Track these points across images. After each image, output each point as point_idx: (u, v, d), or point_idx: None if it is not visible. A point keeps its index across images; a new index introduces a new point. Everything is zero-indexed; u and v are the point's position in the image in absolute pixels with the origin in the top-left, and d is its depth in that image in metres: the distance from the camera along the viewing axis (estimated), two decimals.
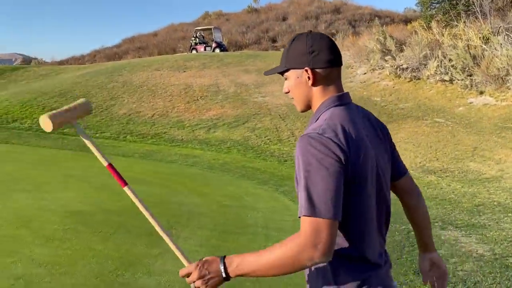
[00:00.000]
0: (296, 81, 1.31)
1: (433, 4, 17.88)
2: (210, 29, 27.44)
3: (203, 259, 1.21)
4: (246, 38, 30.89)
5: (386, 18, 35.02)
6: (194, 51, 26.42)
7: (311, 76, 1.28)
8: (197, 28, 28.61)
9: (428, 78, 14.49)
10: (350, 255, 1.21)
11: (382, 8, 39.72)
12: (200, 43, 26.39)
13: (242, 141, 11.20)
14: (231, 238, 4.65)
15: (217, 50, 25.26)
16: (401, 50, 15.93)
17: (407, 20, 35.15)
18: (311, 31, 1.34)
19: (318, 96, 1.30)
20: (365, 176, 1.20)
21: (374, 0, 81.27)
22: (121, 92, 16.20)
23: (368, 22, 33.30)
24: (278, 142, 11.14)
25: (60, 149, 10.04)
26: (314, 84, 1.29)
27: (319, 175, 1.11)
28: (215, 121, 13.06)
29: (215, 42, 25.93)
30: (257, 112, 13.50)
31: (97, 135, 12.03)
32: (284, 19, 35.04)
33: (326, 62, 1.28)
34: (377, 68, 16.41)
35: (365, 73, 16.55)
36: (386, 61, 15.96)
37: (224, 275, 1.15)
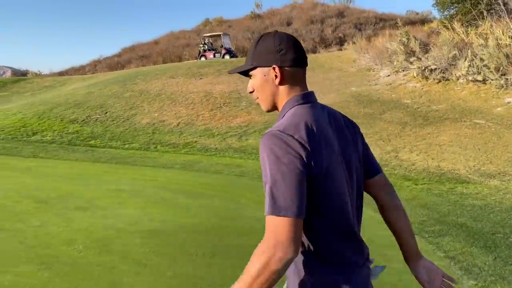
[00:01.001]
0: (263, 79, 1.30)
1: (453, 5, 17.59)
2: (219, 35, 27.02)
3: None
4: (250, 44, 30.44)
5: (391, 21, 34.89)
6: (203, 58, 25.97)
7: (278, 74, 1.26)
8: (205, 34, 28.18)
9: (458, 79, 14.15)
10: (324, 253, 1.19)
11: (384, 11, 39.65)
12: (209, 50, 25.96)
13: None
14: None
15: (227, 57, 24.84)
16: (426, 51, 15.60)
17: (411, 23, 35.03)
18: (277, 31, 1.34)
19: (284, 95, 1.29)
20: (331, 172, 1.17)
21: (376, 4, 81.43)
22: (139, 101, 15.69)
23: (374, 25, 33.12)
24: None
25: (93, 161, 9.51)
26: (280, 83, 1.28)
27: (279, 173, 1.10)
28: (244, 128, 12.59)
29: (225, 48, 25.51)
30: None
31: (126, 146, 11.51)
32: (288, 24, 34.74)
33: (293, 61, 1.27)
34: (400, 70, 16.06)
35: (388, 75, 16.19)
36: (411, 62, 15.62)
37: None
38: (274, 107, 1.34)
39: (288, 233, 1.07)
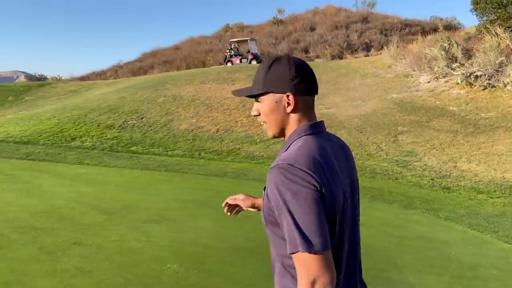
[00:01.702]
0: (273, 106, 1.26)
1: (494, 10, 17.09)
2: (246, 40, 26.78)
3: None
4: (278, 49, 30.22)
5: (416, 27, 34.35)
6: (229, 64, 25.75)
7: (292, 102, 1.24)
8: (232, 40, 27.97)
9: (505, 86, 13.64)
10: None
11: (407, 17, 38.94)
12: (235, 55, 25.72)
13: None
14: (462, 283, 3.77)
15: (254, 62, 24.56)
16: (469, 57, 15.12)
17: (437, 29, 34.42)
18: (289, 55, 1.31)
19: (293, 123, 1.26)
20: (338, 207, 1.17)
21: (397, 9, 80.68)
22: (174, 107, 15.46)
23: (400, 31, 32.60)
24: (369, 157, 10.28)
25: (141, 169, 9.24)
26: (293, 111, 1.26)
27: (300, 208, 1.09)
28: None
29: (252, 53, 25.24)
30: (330, 125, 12.67)
31: (168, 153, 11.24)
32: (312, 29, 34.37)
33: (306, 90, 1.25)
34: (441, 76, 15.59)
35: (429, 82, 15.72)
36: (453, 69, 15.14)
37: None
38: (281, 134, 1.30)
39: (322, 266, 1.08)
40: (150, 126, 13.74)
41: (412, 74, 16.86)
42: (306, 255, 1.08)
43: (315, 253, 1.08)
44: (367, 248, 3.37)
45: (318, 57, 28.64)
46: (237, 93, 1.36)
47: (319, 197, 1.11)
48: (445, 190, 8.03)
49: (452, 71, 15.09)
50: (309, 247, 1.08)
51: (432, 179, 8.84)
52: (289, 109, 1.25)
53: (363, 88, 16.10)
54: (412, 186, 8.33)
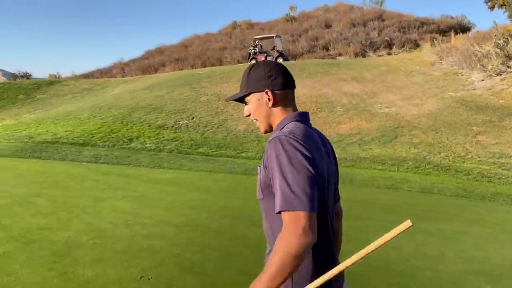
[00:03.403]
0: (257, 103, 1.39)
1: None
2: (271, 37, 26.10)
3: None
4: (298, 47, 29.61)
5: (432, 25, 34.09)
6: (253, 61, 25.04)
7: (271, 97, 1.35)
8: (256, 36, 27.20)
9: None
10: (317, 248, 1.23)
11: (419, 15, 38.60)
12: (260, 53, 25.00)
13: (421, 159, 9.81)
14: None
15: (280, 60, 23.87)
16: None
17: (452, 27, 34.24)
18: (264, 61, 1.44)
19: (278, 115, 1.37)
20: (323, 181, 1.25)
21: (402, 7, 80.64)
22: (222, 106, 14.76)
23: (417, 29, 32.27)
24: (462, 159, 9.77)
25: (228, 173, 8.58)
26: (274, 105, 1.37)
27: (293, 171, 1.16)
28: (358, 136, 11.68)
29: (277, 51, 24.52)
30: (399, 125, 12.14)
31: (243, 154, 10.57)
32: (327, 26, 33.85)
33: (282, 85, 1.37)
34: (494, 74, 15.19)
35: (483, 80, 15.30)
36: (508, 66, 14.75)
37: None
38: (270, 128, 1.40)
39: (307, 223, 1.12)
40: (205, 126, 13.05)
41: (462, 72, 16.43)
42: (295, 213, 1.13)
43: (304, 211, 1.12)
44: None
45: (340, 55, 28.10)
46: (228, 99, 1.53)
47: (313, 164, 1.18)
48: None
49: (508, 69, 14.68)
50: (299, 205, 1.13)
51: None
52: (270, 103, 1.35)
53: (414, 87, 15.62)
54: None
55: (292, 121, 1.32)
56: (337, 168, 1.44)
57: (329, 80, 17.12)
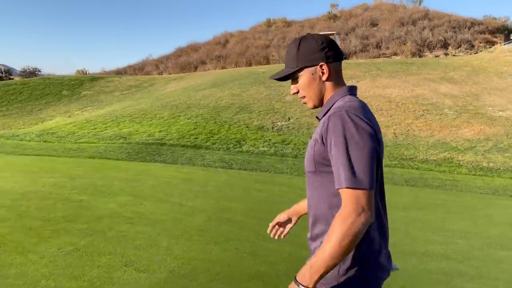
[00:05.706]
0: (310, 78, 1.32)
1: None
2: (332, 34, 25.18)
3: None
4: (350, 46, 28.57)
5: (480, 26, 32.92)
6: None
7: (326, 71, 1.30)
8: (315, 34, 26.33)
9: None
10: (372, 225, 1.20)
11: (463, 16, 37.37)
12: None
13: None
14: None
15: None
16: None
17: (498, 29, 33.04)
18: (310, 33, 1.37)
19: (330, 89, 1.32)
20: (381, 155, 1.23)
21: (437, 6, 79.20)
22: (306, 106, 13.78)
23: (469, 29, 31.11)
24: None
25: (387, 183, 7.59)
26: (328, 79, 1.32)
27: (357, 148, 1.13)
28: (490, 142, 10.66)
29: None
30: None
31: None
32: (373, 25, 32.79)
33: (335, 57, 1.32)
34: None
35: None
36: None
37: None
38: (321, 103, 1.34)
39: (368, 201, 1.11)
40: (308, 128, 12.08)
41: None
42: (357, 191, 1.11)
43: (363, 189, 1.11)
44: None
45: (395, 54, 27.02)
46: (273, 76, 1.40)
47: (376, 140, 1.16)
48: None
49: None
50: (361, 183, 1.11)
51: None
52: (324, 77, 1.31)
53: None
54: None
55: (347, 95, 1.29)
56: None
57: (416, 80, 16.08)
